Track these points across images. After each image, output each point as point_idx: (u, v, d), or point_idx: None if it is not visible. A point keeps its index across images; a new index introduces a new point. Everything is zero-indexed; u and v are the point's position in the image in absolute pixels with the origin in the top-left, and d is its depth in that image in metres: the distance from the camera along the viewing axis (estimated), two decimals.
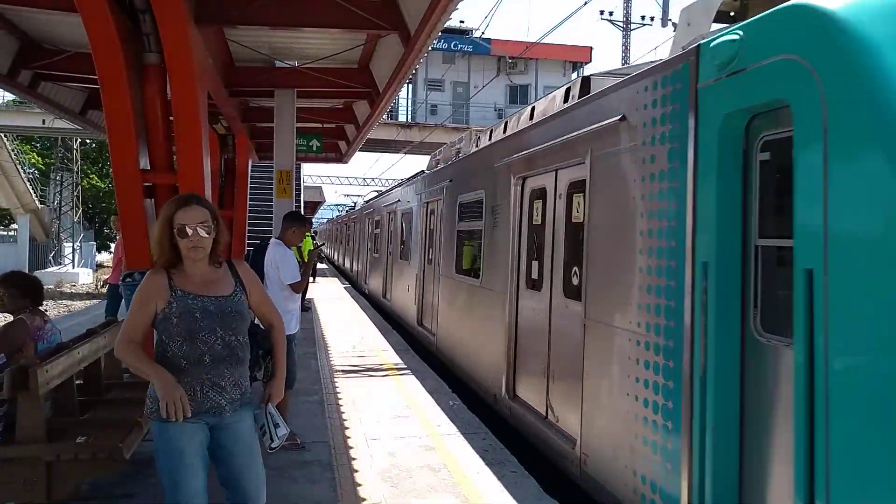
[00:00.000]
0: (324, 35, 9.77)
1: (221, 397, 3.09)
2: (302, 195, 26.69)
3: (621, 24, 33.86)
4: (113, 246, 35.21)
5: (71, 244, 39.95)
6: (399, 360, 10.04)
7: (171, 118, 7.70)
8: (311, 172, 55.96)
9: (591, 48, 41.13)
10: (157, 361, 3.10)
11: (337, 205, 65.91)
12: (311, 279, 6.37)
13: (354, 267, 24.03)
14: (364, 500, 4.73)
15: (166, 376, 3.00)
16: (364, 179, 57.26)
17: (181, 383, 3.00)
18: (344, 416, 6.92)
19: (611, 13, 33.91)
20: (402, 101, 42.19)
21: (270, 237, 12.22)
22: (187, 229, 3.05)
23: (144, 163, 7.72)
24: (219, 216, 3.21)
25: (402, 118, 39.20)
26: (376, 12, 8.22)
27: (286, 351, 3.65)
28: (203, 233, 3.07)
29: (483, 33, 39.41)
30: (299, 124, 13.82)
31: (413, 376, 8.95)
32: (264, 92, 11.83)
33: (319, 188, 39.21)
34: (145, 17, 7.18)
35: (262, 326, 3.47)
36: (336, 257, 33.82)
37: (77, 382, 5.14)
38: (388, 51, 9.91)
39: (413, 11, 7.88)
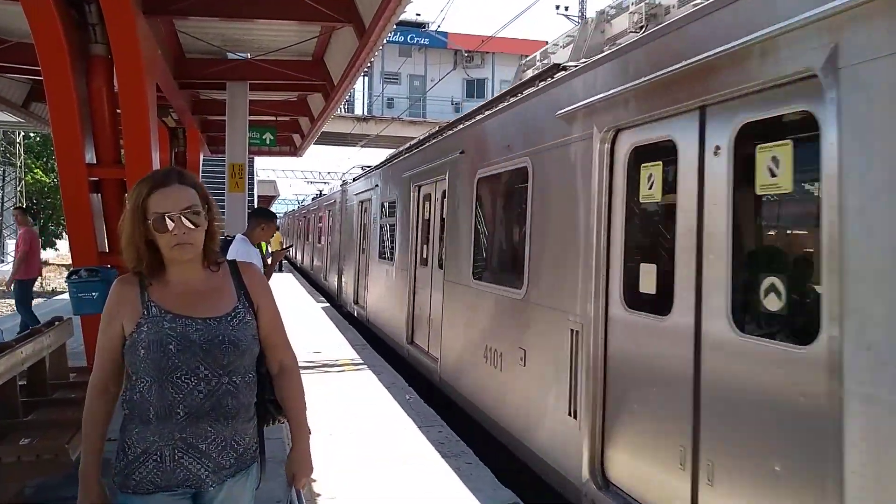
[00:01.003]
0: (277, 27, 9.63)
1: (201, 465, 2.18)
2: (255, 189, 26.33)
3: (577, 18, 34.18)
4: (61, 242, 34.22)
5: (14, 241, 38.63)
6: (356, 356, 10.01)
7: (119, 111, 7.52)
8: (266, 166, 55.19)
9: (545, 42, 41.44)
10: (124, 406, 2.25)
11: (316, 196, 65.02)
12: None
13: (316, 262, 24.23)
14: (319, 494, 4.71)
15: (90, 492, 2.23)
16: (320, 174, 56.71)
17: (146, 442, 2.17)
18: None
19: (566, 8, 34.21)
20: (359, 94, 41.98)
21: (225, 233, 12.07)
22: (167, 220, 2.16)
23: (90, 157, 7.52)
24: (209, 198, 2.31)
25: (358, 111, 38.99)
26: (330, 4, 8.12)
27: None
28: (190, 223, 2.19)
29: (439, 26, 39.38)
30: (252, 117, 13.60)
31: (370, 371, 8.93)
32: (216, 84, 11.57)
33: (273, 182, 38.67)
34: (90, 6, 6.99)
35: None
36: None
37: (21, 383, 5.00)
38: (342, 43, 9.82)
39: (367, 3, 7.81)
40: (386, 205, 12.19)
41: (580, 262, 4.59)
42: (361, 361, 9.59)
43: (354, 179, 16.90)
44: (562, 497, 4.66)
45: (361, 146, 32.78)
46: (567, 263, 4.81)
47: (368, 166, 17.17)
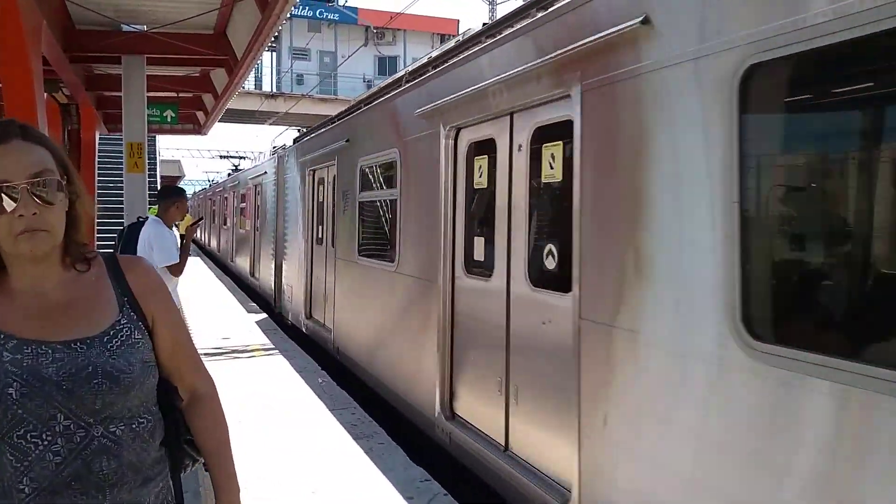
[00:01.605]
0: None
1: None
2: (158, 169, 25.24)
3: None
4: None
5: None
6: (266, 340, 9.81)
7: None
8: (170, 146, 53.01)
9: (458, 21, 41.46)
10: None
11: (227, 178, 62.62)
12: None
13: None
14: None
15: None
16: (228, 152, 54.92)
17: None
18: None
19: None
20: (267, 70, 40.80)
21: (124, 216, 11.54)
22: (4, 195, 1.41)
23: None
24: (69, 164, 1.57)
25: (266, 88, 37.90)
26: None
27: None
28: (41, 200, 1.45)
29: (346, 1, 38.76)
30: (151, 93, 12.97)
31: (282, 356, 8.78)
32: (111, 58, 10.95)
33: (178, 162, 37.18)
34: None
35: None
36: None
37: None
38: (245, 16, 9.48)
39: None
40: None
41: (434, 238, 5.44)
42: (273, 346, 9.41)
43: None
44: (423, 432, 5.63)
45: (270, 123, 31.93)
46: (425, 239, 5.71)
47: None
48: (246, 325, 11.07)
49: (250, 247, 16.41)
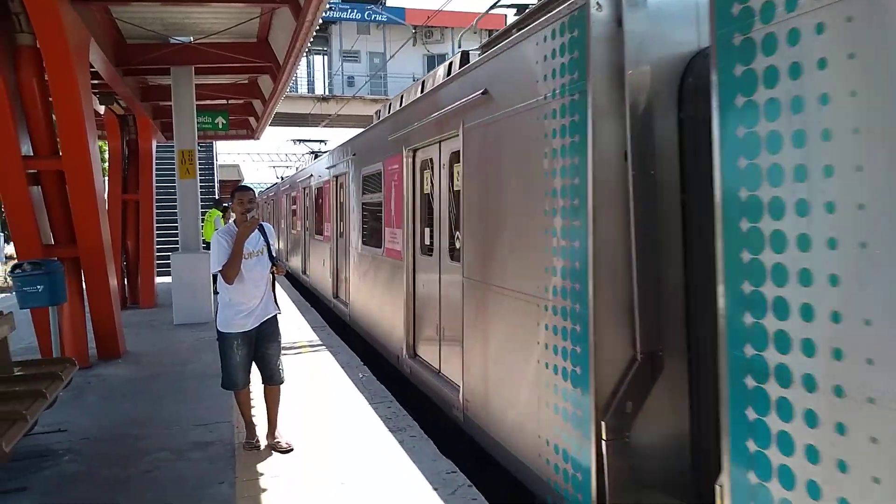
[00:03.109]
0: (215, 9, 9.51)
1: None
2: (216, 174, 26.00)
3: None
4: None
5: None
6: (314, 337, 10.07)
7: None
8: (230, 150, 54.46)
9: (505, 16, 41.21)
10: None
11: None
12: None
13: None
14: (262, 474, 4.79)
15: None
16: (287, 156, 56.07)
17: None
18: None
19: None
20: (319, 75, 41.49)
21: (178, 220, 12.00)
22: None
23: (27, 149, 7.42)
24: None
25: (319, 91, 38.55)
26: None
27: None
28: None
29: (386, 0, 39.06)
30: (202, 101, 13.44)
31: (328, 351, 9.00)
32: (161, 70, 11.42)
33: (237, 167, 38.14)
34: None
35: None
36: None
37: None
38: (283, 23, 9.73)
39: None
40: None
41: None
42: (320, 342, 9.65)
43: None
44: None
45: (323, 126, 32.48)
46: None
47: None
48: (295, 322, 11.35)
49: (329, 260, 13.24)
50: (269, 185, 37.18)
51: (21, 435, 4.44)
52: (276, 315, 5.39)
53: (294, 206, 18.99)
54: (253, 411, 5.53)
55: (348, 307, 10.88)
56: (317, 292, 14.52)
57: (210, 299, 11.57)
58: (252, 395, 5.49)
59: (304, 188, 16.61)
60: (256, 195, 5.37)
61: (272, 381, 5.39)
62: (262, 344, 5.29)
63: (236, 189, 5.31)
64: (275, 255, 5.35)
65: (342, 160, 11.41)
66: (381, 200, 8.48)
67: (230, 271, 4.99)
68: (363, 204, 9.65)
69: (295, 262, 18.55)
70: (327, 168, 13.00)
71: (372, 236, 9.28)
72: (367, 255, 9.48)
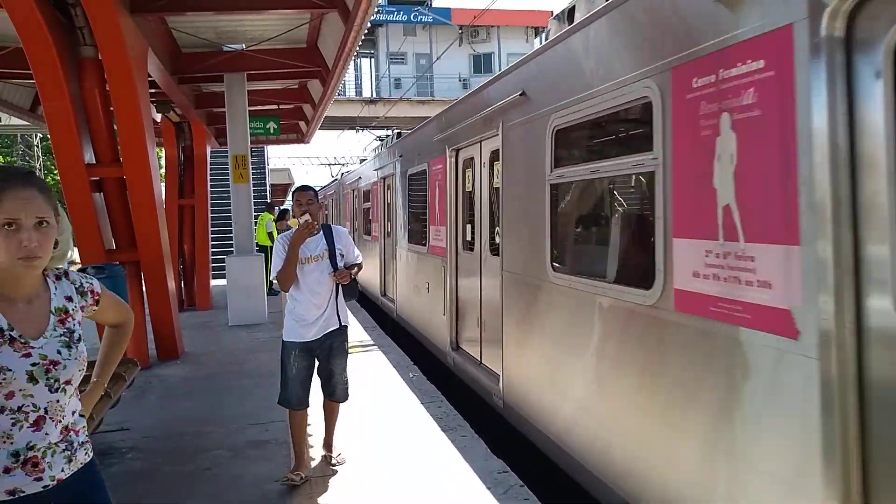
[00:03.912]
0: (266, 17, 9.70)
1: None
2: (268, 178, 26.51)
3: None
4: None
5: None
6: (366, 337, 10.19)
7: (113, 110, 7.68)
8: (281, 154, 55.42)
9: (551, 12, 40.93)
10: None
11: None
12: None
13: None
14: (316, 473, 4.87)
15: None
16: (335, 158, 56.87)
17: None
18: None
19: None
20: (366, 77, 41.89)
21: (232, 223, 12.30)
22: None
23: (90, 157, 7.70)
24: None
25: (367, 94, 38.92)
26: None
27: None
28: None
29: (432, 1, 39.15)
30: (254, 107, 13.72)
31: (379, 351, 9.10)
32: (214, 77, 11.72)
33: (287, 170, 38.79)
34: (76, 9, 7.13)
35: None
36: None
37: None
38: (332, 28, 9.87)
39: None
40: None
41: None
42: (371, 342, 9.76)
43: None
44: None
45: (371, 128, 32.79)
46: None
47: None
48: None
49: (377, 259, 13.40)
50: (323, 186, 37.66)
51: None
52: (343, 327, 4.92)
53: (346, 206, 19.23)
54: (309, 440, 5.11)
55: (395, 304, 11.22)
56: (366, 291, 14.66)
57: (264, 301, 11.83)
58: (310, 423, 5.01)
59: (353, 190, 16.83)
60: (317, 195, 4.90)
61: (332, 396, 5.00)
62: (325, 358, 4.88)
63: (295, 189, 4.90)
64: (341, 261, 4.86)
65: (390, 161, 11.60)
66: (426, 199, 8.67)
67: (283, 277, 4.70)
68: (409, 203, 9.91)
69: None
70: (375, 170, 13.26)
71: (417, 234, 9.51)
72: (412, 252, 9.75)
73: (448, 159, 7.70)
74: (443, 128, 7.88)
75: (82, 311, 2.19)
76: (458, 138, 7.27)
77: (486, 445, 5.31)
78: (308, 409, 4.88)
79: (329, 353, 4.87)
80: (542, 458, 4.95)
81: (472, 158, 7.01)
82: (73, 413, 2.11)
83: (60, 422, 2.02)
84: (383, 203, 12.37)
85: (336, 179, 24.07)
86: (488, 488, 4.48)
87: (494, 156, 6.23)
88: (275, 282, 4.91)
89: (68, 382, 2.04)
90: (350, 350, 5.07)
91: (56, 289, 2.12)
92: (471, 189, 7.20)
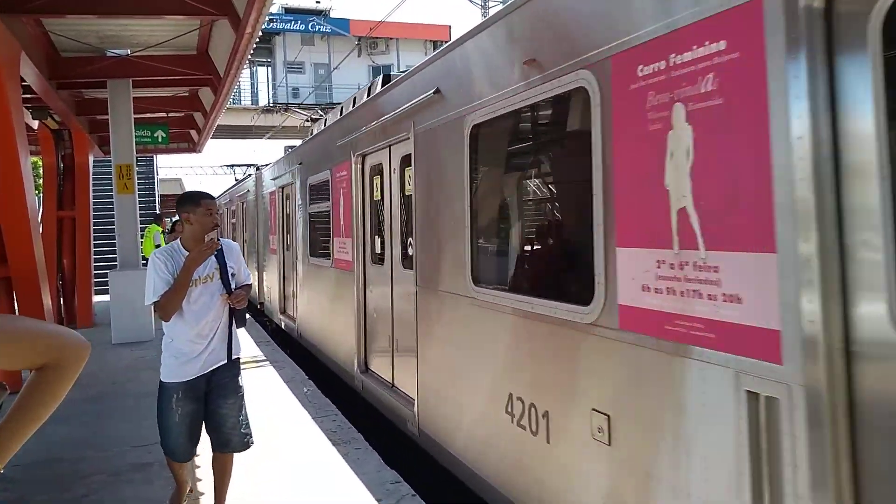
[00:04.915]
0: (153, 22, 9.36)
1: None
2: (157, 188, 25.44)
3: (479, 2, 34.41)
4: None
5: None
6: (258, 352, 9.95)
7: None
8: (172, 164, 53.44)
9: (449, 27, 41.57)
10: None
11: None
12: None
13: None
14: (203, 493, 4.73)
15: None
16: (231, 168, 55.28)
17: None
18: None
19: None
20: (263, 86, 41.07)
21: (116, 236, 11.73)
22: None
23: None
24: None
25: (263, 102, 38.14)
26: None
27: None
28: None
29: (329, 11, 38.97)
30: (140, 115, 13.18)
31: (272, 367, 8.92)
32: (97, 83, 11.17)
33: (179, 180, 37.38)
34: None
35: None
36: None
37: None
38: (223, 36, 9.65)
39: None
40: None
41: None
42: (264, 357, 9.55)
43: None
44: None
45: (268, 137, 32.14)
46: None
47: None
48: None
49: (276, 274, 12.96)
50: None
51: None
52: (233, 360, 4.12)
53: (233, 220, 18.74)
54: (198, 484, 4.70)
55: (296, 322, 10.52)
56: (266, 308, 14.26)
57: (151, 316, 11.34)
58: (198, 465, 4.66)
59: (243, 202, 16.31)
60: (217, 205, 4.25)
61: (227, 447, 4.10)
62: (214, 398, 4.02)
63: (201, 196, 4.07)
64: (233, 281, 4.12)
65: (288, 170, 11.08)
66: (330, 209, 8.06)
67: (169, 306, 3.86)
68: (311, 214, 9.33)
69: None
70: (272, 179, 12.77)
71: (320, 247, 8.90)
72: (315, 266, 9.13)
73: (353, 166, 7.08)
74: (346, 132, 7.29)
75: None
76: (364, 143, 6.70)
77: (398, 472, 5.20)
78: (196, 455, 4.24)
79: (220, 391, 4.03)
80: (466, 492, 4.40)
81: (381, 164, 6.43)
82: None
83: None
84: (282, 214, 11.93)
85: (234, 186, 23.52)
86: (379, 500, 4.49)
87: (406, 161, 5.66)
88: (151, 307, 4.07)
89: None
90: (243, 366, 4.45)
91: None
92: (380, 197, 6.54)
